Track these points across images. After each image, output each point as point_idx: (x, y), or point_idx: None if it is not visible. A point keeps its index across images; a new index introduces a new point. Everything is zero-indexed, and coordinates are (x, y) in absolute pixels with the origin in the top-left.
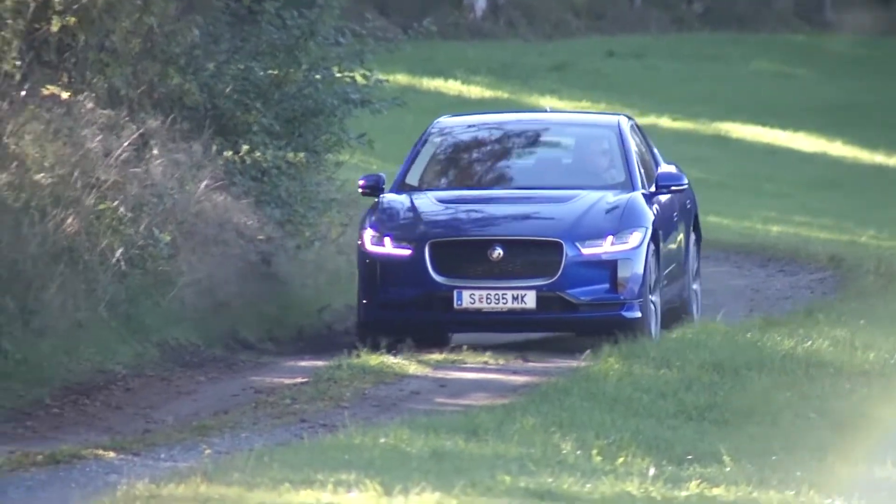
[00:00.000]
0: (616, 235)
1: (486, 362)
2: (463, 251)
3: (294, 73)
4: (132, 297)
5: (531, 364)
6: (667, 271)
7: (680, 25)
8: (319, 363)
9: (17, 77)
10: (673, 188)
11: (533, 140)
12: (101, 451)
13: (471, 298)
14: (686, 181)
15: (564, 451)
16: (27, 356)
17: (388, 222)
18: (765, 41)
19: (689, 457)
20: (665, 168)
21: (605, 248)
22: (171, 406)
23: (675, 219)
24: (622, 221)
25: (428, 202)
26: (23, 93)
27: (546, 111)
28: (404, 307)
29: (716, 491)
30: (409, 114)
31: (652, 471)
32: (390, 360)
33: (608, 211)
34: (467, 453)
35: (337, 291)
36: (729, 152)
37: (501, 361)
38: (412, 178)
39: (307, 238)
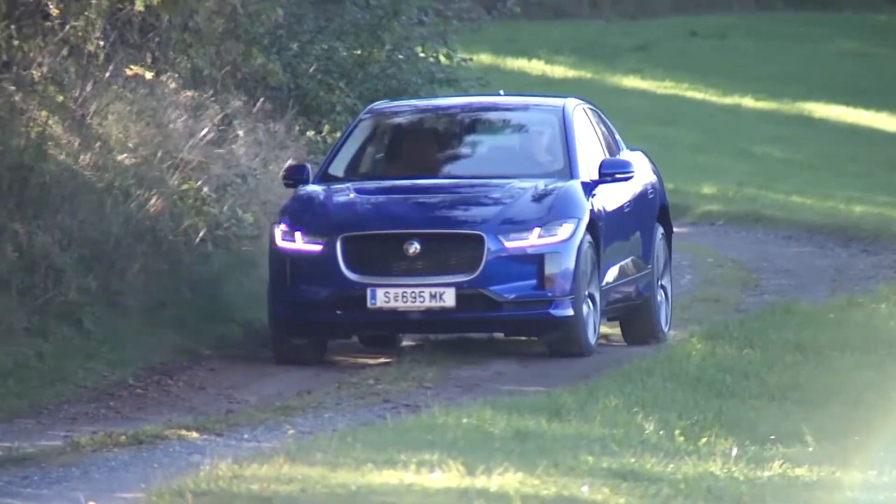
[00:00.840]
0: (544, 227)
1: None
2: (377, 246)
3: (377, 53)
4: (216, 278)
5: (614, 344)
6: (616, 265)
7: (762, 5)
8: (403, 343)
9: (101, 58)
10: (617, 176)
11: (469, 126)
12: (184, 432)
13: (385, 297)
14: (632, 170)
15: (647, 432)
16: (110, 336)
17: (300, 216)
18: (847, 21)
19: (772, 437)
20: (626, 155)
21: (532, 241)
22: (254, 386)
23: (628, 209)
24: (552, 212)
25: (345, 194)
26: (106, 73)
27: (499, 94)
28: (317, 307)
29: (798, 471)
30: None
31: (735, 451)
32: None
33: (537, 201)
34: (550, 434)
35: None
36: (812, 132)
37: None
38: (336, 169)
39: None
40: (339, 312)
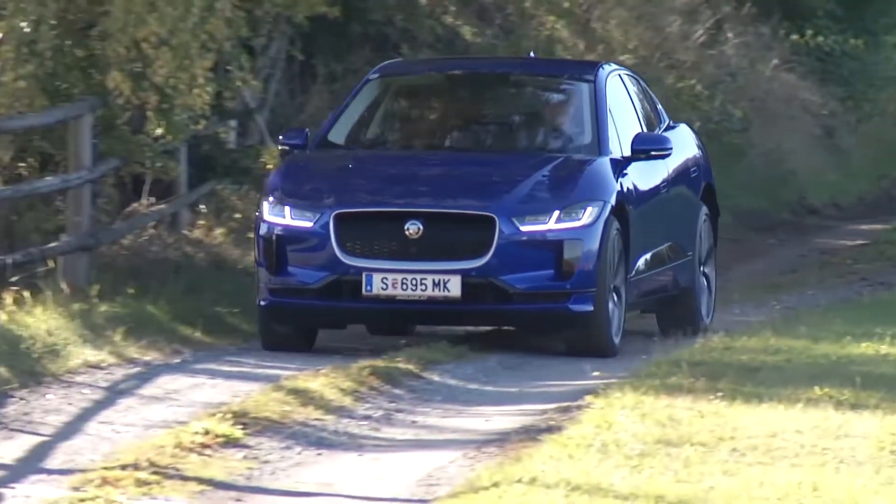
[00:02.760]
0: (564, 210)
1: None
2: (375, 225)
3: None
4: None
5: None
6: (649, 253)
7: None
8: (878, 227)
9: None
10: (653, 153)
11: (489, 93)
12: None
13: (383, 284)
14: (670, 146)
15: None
16: None
17: (290, 188)
18: None
19: None
20: (668, 129)
21: (550, 225)
22: (744, 266)
23: (665, 190)
24: (574, 193)
25: (343, 165)
26: None
27: (530, 56)
28: (305, 292)
29: None
30: None
31: None
32: None
33: (559, 179)
34: None
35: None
36: None
37: None
38: (337, 136)
39: (867, 113)
40: (329, 300)
